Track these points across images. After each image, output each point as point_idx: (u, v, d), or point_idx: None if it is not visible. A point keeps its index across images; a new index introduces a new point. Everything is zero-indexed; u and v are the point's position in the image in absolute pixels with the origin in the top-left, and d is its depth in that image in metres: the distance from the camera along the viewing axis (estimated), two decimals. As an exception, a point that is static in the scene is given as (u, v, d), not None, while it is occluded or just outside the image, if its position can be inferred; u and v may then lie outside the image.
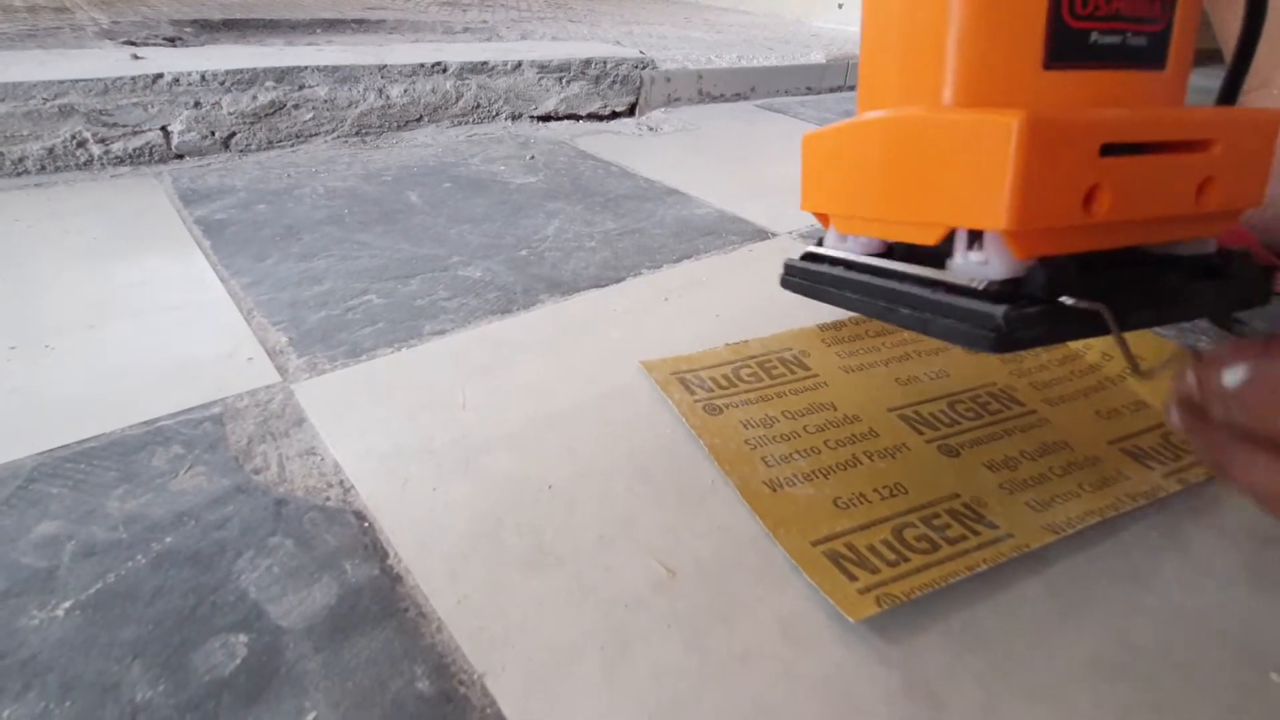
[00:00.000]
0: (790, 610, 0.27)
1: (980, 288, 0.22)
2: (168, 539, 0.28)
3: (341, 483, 0.31)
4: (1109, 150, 0.20)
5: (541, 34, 1.25)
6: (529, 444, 0.35)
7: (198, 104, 0.71)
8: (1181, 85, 0.24)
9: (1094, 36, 0.22)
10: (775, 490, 0.32)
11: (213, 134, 0.72)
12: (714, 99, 1.14)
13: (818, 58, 1.28)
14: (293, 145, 0.77)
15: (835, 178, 0.28)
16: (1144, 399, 0.40)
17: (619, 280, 0.53)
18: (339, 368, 0.40)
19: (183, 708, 0.22)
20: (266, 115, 0.75)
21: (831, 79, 1.31)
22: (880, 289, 0.26)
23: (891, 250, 0.28)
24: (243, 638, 0.24)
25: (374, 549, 0.28)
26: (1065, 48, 0.21)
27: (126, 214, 0.58)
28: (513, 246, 0.57)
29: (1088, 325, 0.21)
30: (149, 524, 0.29)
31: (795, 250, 0.61)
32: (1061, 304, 0.21)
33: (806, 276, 0.32)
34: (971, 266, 0.22)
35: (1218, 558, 0.30)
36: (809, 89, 1.28)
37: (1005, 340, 0.21)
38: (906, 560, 0.28)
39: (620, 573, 0.28)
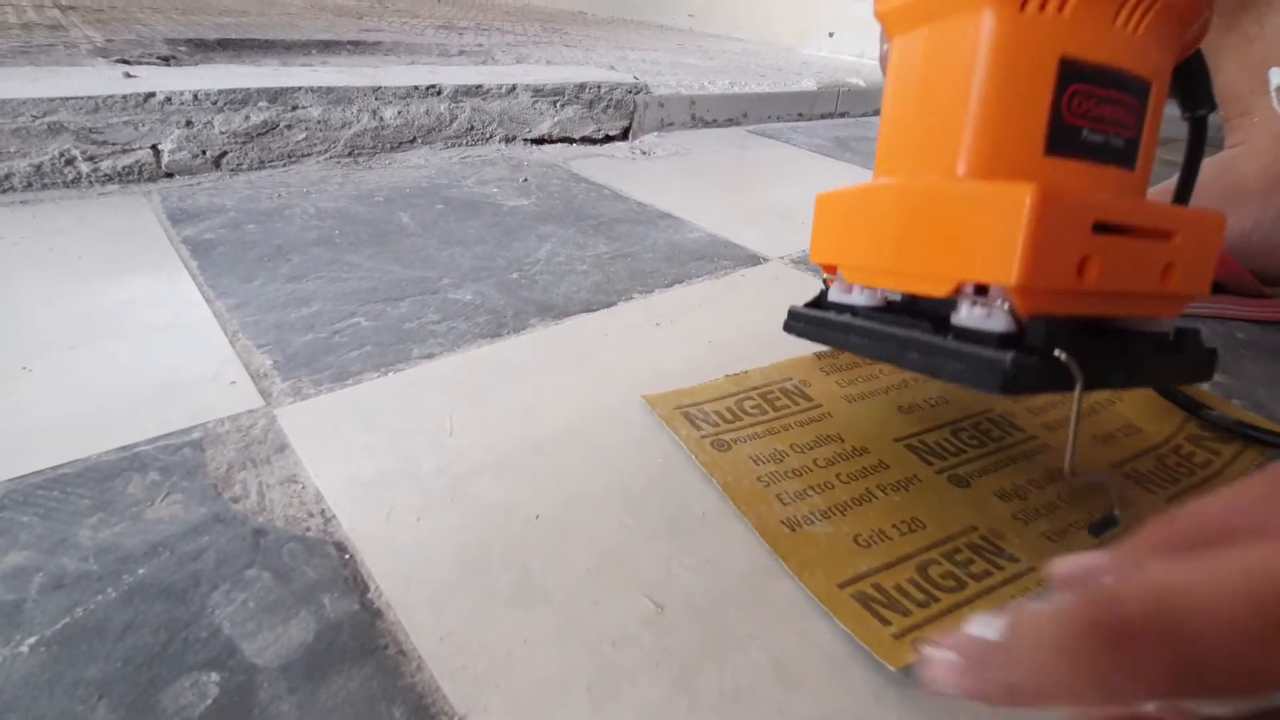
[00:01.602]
0: (783, 649, 0.26)
1: (987, 337, 0.24)
2: (140, 571, 0.27)
3: (323, 512, 0.31)
4: (1099, 228, 0.23)
5: (536, 58, 1.26)
6: (517, 471, 0.34)
7: (189, 123, 0.71)
8: (1145, 185, 0.28)
9: (1084, 133, 0.25)
10: (794, 530, 0.31)
11: (204, 153, 0.72)
12: (707, 124, 1.15)
13: (809, 85, 1.30)
14: (284, 165, 0.77)
15: (848, 233, 0.31)
16: (1133, 421, 0.40)
17: (610, 304, 0.52)
18: (324, 392, 0.39)
19: (148, 752, 0.21)
20: (259, 135, 0.75)
21: (823, 106, 1.32)
22: (888, 335, 0.29)
23: (892, 303, 0.31)
24: (215, 676, 0.23)
25: (354, 582, 0.27)
26: (1061, 140, 0.25)
27: (114, 233, 0.57)
28: (504, 269, 0.56)
29: (1066, 380, 0.24)
30: (122, 555, 0.28)
31: (786, 276, 0.61)
32: (1055, 357, 0.23)
33: (812, 322, 0.35)
34: (976, 318, 0.25)
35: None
36: (800, 115, 1.29)
37: (1010, 383, 0.23)
38: (936, 600, 0.28)
39: (608, 608, 0.27)
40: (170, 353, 0.41)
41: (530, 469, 0.34)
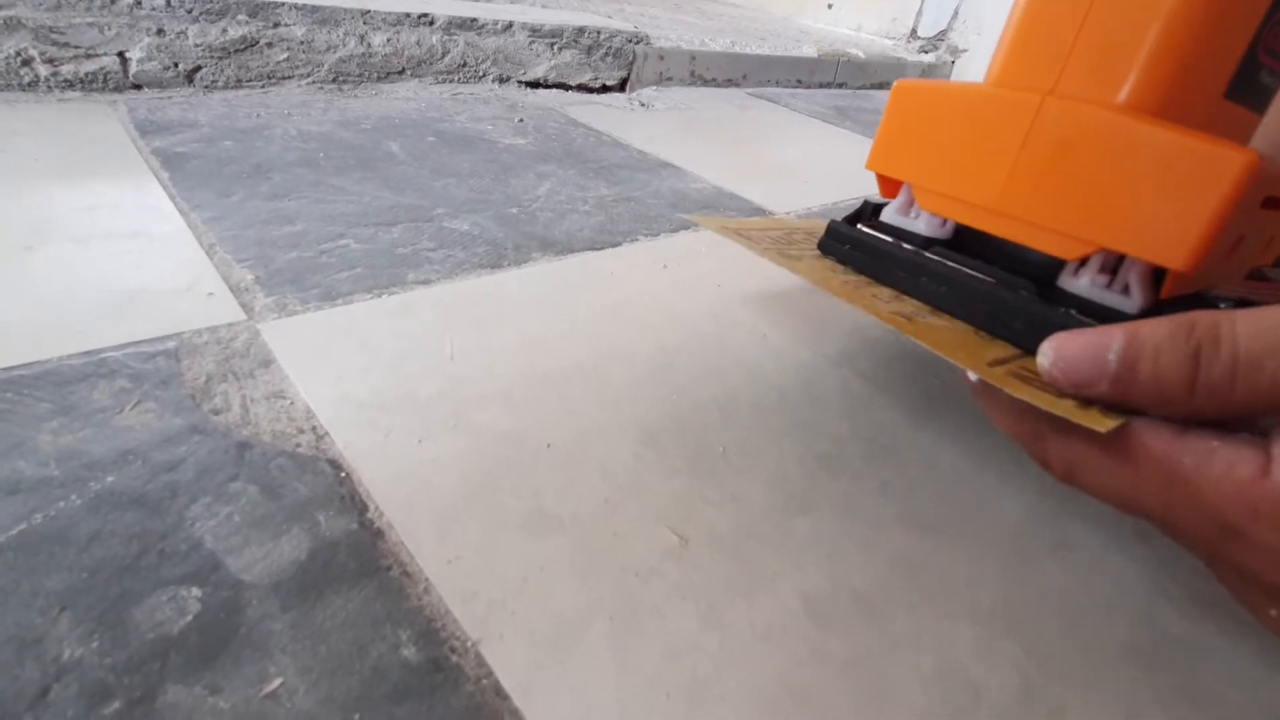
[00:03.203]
0: (813, 587, 0.25)
1: (1112, 315, 0.20)
2: (109, 479, 0.24)
3: (314, 429, 0.28)
4: (1267, 203, 0.19)
5: (532, 1, 1.21)
6: (525, 401, 0.32)
7: (160, 31, 0.65)
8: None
9: (1263, 74, 0.21)
10: (912, 320, 0.24)
11: (175, 65, 0.67)
12: (706, 82, 1.12)
13: (810, 51, 1.27)
14: (263, 86, 0.71)
15: (939, 146, 0.25)
16: None
17: (615, 245, 0.50)
18: (311, 310, 0.36)
19: (120, 669, 0.19)
20: (237, 51, 0.69)
21: (822, 74, 1.30)
22: (976, 289, 0.23)
23: (959, 235, 0.26)
24: (196, 591, 0.21)
25: (351, 501, 0.25)
26: (1244, 83, 0.21)
27: (75, 138, 0.52)
28: (502, 204, 0.53)
29: None
30: (87, 461, 0.25)
31: (795, 230, 0.59)
32: None
33: (861, 247, 0.28)
34: (1099, 292, 0.21)
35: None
36: (800, 82, 1.27)
37: None
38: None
39: (629, 540, 0.25)
40: (139, 262, 0.38)
41: (537, 399, 0.32)
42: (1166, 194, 0.19)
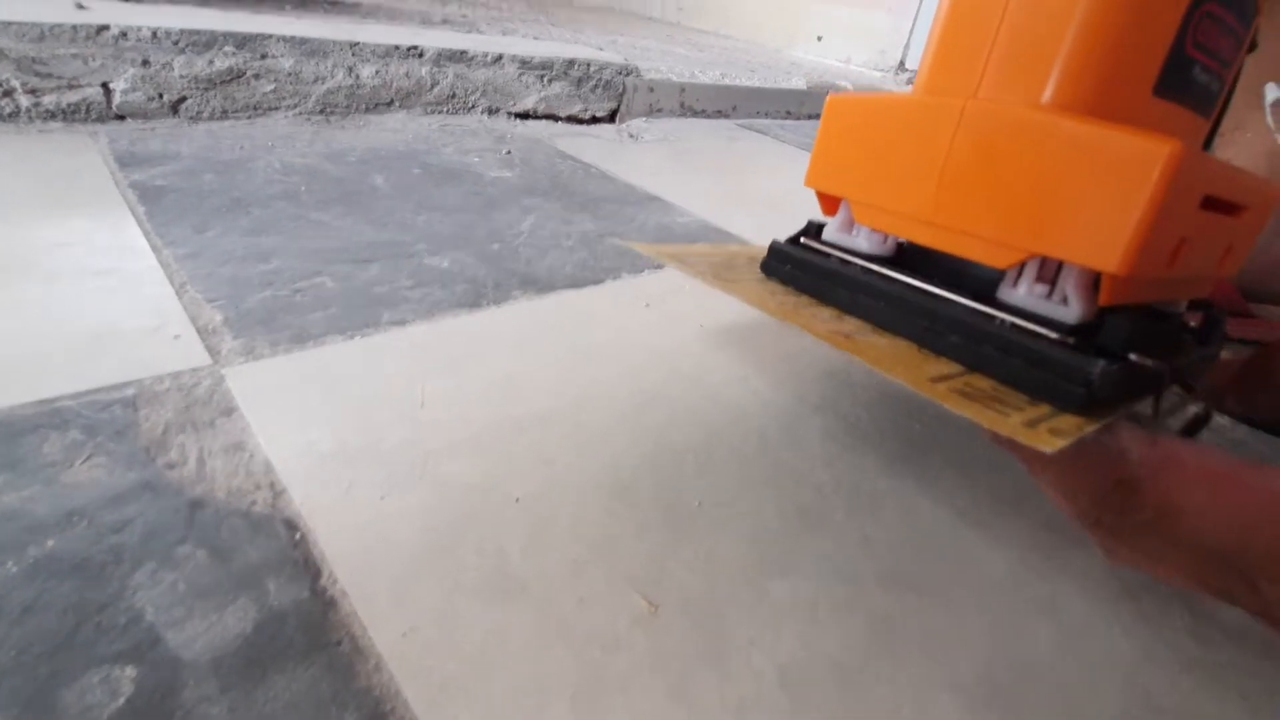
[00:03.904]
0: (789, 657, 0.24)
1: (1055, 334, 0.20)
2: (50, 543, 0.23)
3: (272, 484, 0.27)
4: (1205, 203, 0.19)
5: (523, 33, 1.22)
6: (495, 450, 0.31)
7: (146, 62, 0.65)
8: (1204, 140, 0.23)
9: (1196, 70, 0.20)
10: (850, 338, 0.24)
11: (160, 96, 0.66)
12: (695, 113, 1.12)
13: (799, 84, 1.28)
14: (249, 116, 0.71)
15: (871, 159, 0.24)
16: None
17: (598, 282, 0.49)
18: (280, 353, 0.35)
19: (40, 761, 0.17)
20: (223, 82, 0.69)
21: (811, 106, 1.31)
22: (913, 302, 0.23)
23: (901, 251, 0.25)
24: (131, 671, 0.20)
25: (305, 566, 0.24)
26: (1174, 78, 0.20)
27: (53, 171, 0.52)
28: (485, 239, 0.53)
29: (1144, 386, 0.20)
30: (29, 523, 0.24)
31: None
32: (1135, 362, 0.19)
33: (802, 266, 0.27)
34: (1036, 302, 0.20)
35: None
36: (789, 113, 1.28)
37: (1092, 400, 0.18)
38: (1026, 406, 0.21)
39: (596, 606, 0.24)
40: (107, 302, 0.37)
41: (509, 448, 0.31)
42: (1092, 192, 0.18)
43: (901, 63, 1.63)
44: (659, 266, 0.53)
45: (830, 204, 0.28)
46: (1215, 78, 0.21)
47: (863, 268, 0.25)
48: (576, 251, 0.53)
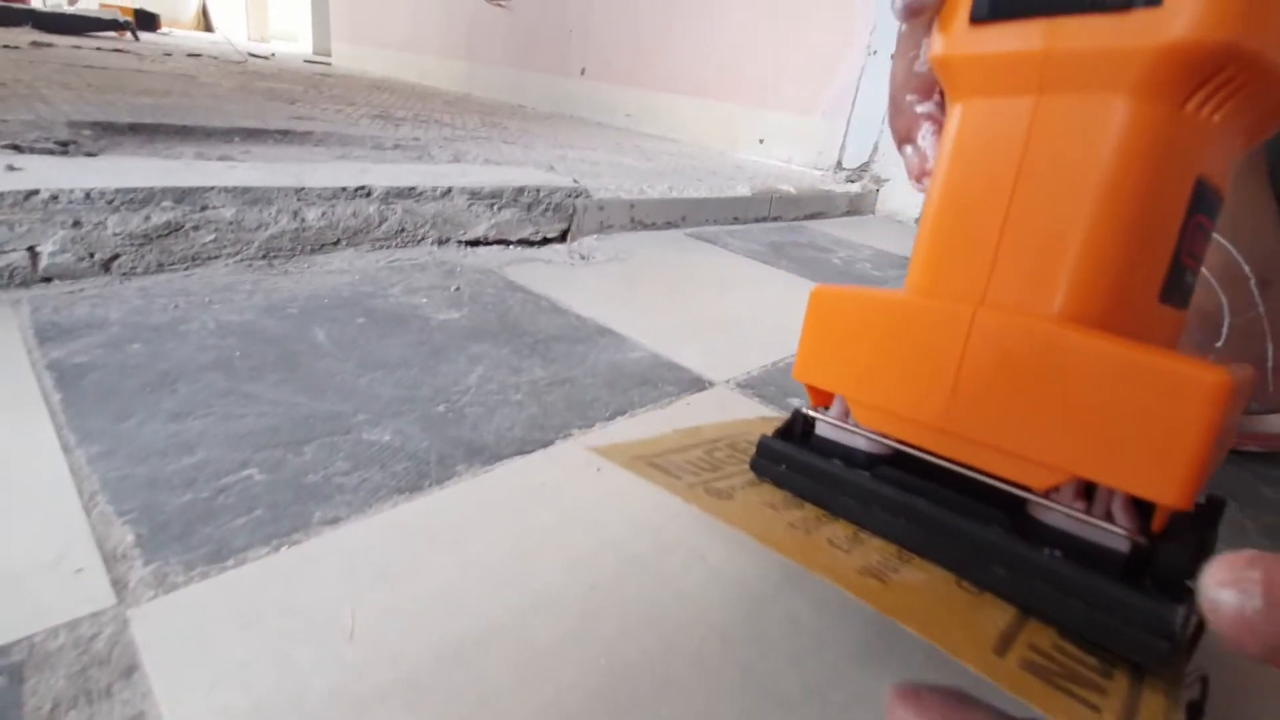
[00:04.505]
0: None
1: (1111, 566, 0.18)
2: None
3: (171, 776, 0.24)
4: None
5: (475, 155, 1.25)
6: (431, 691, 0.28)
7: (77, 224, 0.63)
8: None
9: (1187, 276, 0.20)
10: (886, 583, 0.21)
11: (91, 255, 0.65)
12: (645, 226, 1.15)
13: (744, 190, 1.34)
14: (187, 269, 0.70)
15: (868, 358, 0.23)
16: None
17: (547, 443, 0.48)
18: (196, 579, 0.32)
19: None
20: (160, 237, 0.68)
21: (756, 210, 1.36)
22: (942, 524, 0.21)
23: (904, 449, 0.24)
24: None
25: None
26: (1173, 285, 0.20)
27: (-38, 353, 0.49)
28: (429, 400, 0.51)
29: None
30: None
31: (733, 403, 0.58)
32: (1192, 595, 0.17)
33: (797, 467, 0.26)
34: (1081, 527, 0.19)
35: None
36: (735, 219, 1.32)
37: (1174, 654, 0.17)
38: (1098, 677, 0.19)
39: None
40: (2, 526, 0.34)
41: (447, 686, 0.28)
42: (1139, 419, 0.17)
43: (839, 162, 1.71)
44: (610, 418, 0.52)
45: (820, 396, 0.27)
46: (1195, 276, 0.21)
47: (868, 472, 0.24)
48: (526, 407, 0.52)
